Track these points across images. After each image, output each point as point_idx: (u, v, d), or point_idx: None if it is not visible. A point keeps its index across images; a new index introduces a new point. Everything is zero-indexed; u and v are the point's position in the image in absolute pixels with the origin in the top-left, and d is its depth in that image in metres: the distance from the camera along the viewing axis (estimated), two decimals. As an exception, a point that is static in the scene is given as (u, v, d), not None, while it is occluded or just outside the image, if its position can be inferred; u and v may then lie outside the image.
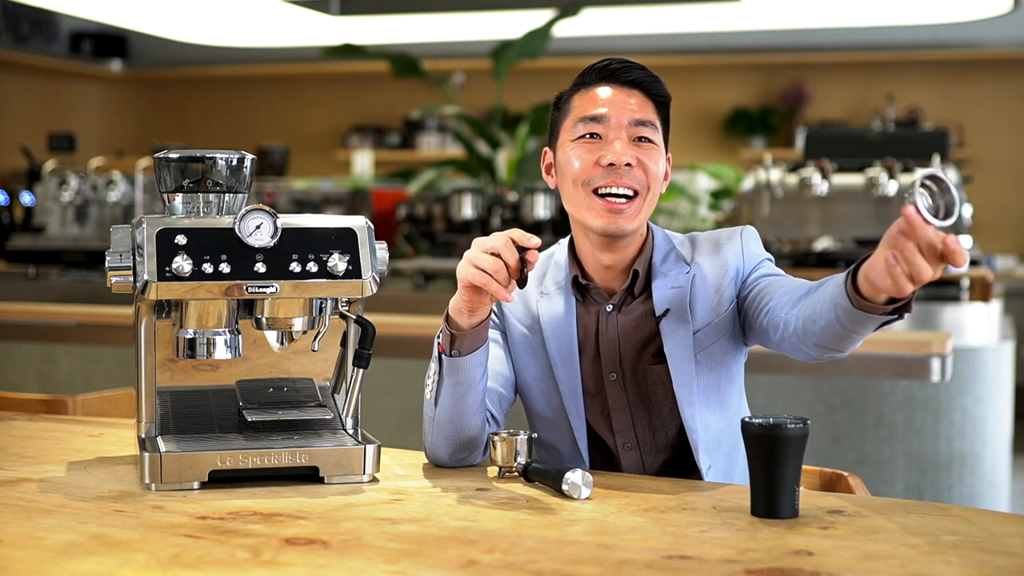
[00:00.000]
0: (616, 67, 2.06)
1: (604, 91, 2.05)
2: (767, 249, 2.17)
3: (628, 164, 2.00)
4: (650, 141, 2.03)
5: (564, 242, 2.16)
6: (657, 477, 2.02)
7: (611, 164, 2.00)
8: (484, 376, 1.97)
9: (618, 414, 2.08)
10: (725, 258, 2.06)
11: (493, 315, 2.18)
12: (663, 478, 1.99)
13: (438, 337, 1.93)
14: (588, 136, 2.03)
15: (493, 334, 2.16)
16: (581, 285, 2.09)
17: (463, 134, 7.21)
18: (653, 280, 2.06)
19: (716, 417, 2.06)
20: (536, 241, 1.83)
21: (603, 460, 2.11)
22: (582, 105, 2.05)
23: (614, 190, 2.00)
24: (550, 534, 1.58)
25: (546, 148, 2.14)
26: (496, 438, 1.89)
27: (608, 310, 2.08)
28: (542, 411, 2.11)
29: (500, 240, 1.83)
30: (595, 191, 2.01)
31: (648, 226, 2.11)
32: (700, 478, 2.05)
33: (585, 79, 2.08)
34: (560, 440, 2.10)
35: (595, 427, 2.10)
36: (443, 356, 1.93)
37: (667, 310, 2.04)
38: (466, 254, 1.85)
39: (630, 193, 2.01)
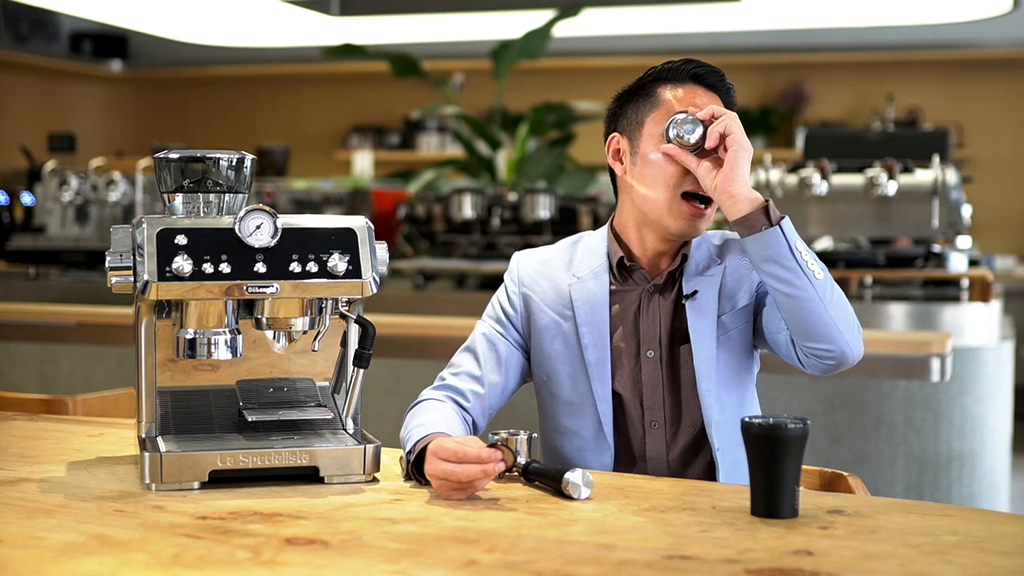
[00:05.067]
0: (703, 70, 2.11)
1: (694, 91, 2.11)
2: None
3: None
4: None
5: (600, 231, 2.22)
6: (657, 477, 2.02)
7: None
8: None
9: (651, 391, 2.12)
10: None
11: (498, 323, 2.21)
12: (663, 478, 1.99)
13: (409, 456, 1.90)
14: None
15: (493, 339, 2.18)
16: (626, 267, 2.15)
17: (463, 134, 7.21)
18: (687, 265, 2.14)
19: (733, 401, 2.12)
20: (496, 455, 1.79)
21: (624, 444, 2.14)
22: (675, 100, 2.09)
23: (701, 194, 2.07)
24: (550, 534, 1.58)
25: (615, 134, 2.17)
26: (496, 439, 1.89)
27: (651, 290, 2.14)
28: (568, 396, 2.15)
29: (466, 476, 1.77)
30: (682, 194, 2.07)
31: None
32: (713, 458, 2.09)
33: (671, 75, 2.11)
34: (584, 426, 2.14)
35: (626, 405, 2.13)
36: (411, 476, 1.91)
37: (695, 291, 2.11)
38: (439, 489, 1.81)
39: (708, 197, 2.08)
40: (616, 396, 2.13)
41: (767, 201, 1.96)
